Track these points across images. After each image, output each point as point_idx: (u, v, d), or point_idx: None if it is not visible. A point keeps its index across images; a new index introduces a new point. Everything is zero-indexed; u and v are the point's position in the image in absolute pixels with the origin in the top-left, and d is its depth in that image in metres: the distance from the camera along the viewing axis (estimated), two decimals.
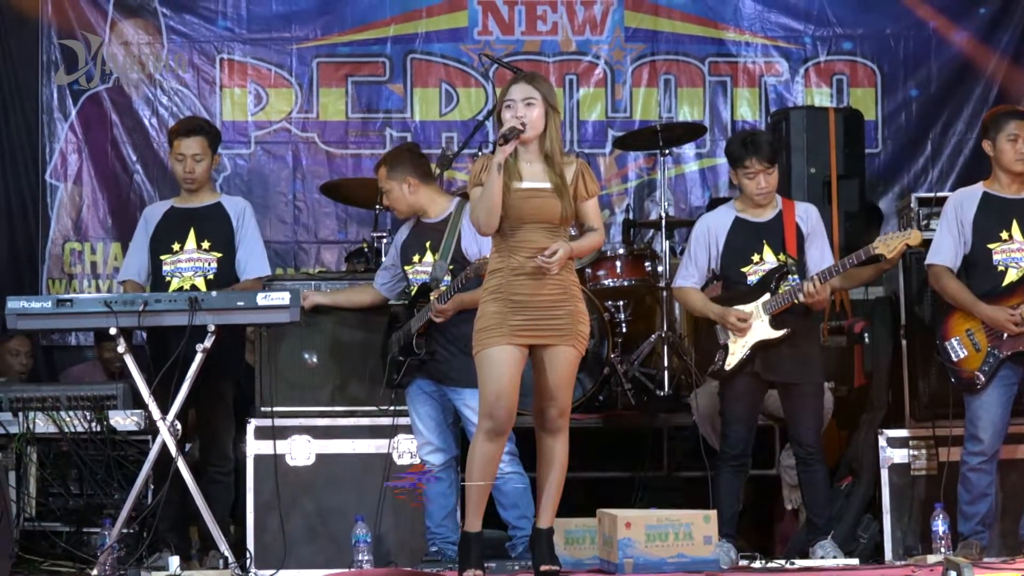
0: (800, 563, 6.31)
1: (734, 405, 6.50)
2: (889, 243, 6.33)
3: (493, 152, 5.51)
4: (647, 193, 9.31)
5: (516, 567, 6.08)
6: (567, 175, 5.55)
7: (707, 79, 9.36)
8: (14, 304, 6.17)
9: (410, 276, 6.56)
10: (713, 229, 6.58)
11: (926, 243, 6.52)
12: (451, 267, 6.37)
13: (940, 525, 6.33)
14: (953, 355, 6.39)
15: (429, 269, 6.45)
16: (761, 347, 6.41)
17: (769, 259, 6.48)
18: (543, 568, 5.58)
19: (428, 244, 6.49)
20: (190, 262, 6.68)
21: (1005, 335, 6.27)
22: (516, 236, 5.50)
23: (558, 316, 5.48)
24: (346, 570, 6.23)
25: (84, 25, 9.13)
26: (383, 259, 7.91)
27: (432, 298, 6.32)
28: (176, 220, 6.76)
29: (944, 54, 9.32)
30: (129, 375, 6.26)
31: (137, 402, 6.57)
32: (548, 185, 5.51)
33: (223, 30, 9.27)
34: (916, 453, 6.80)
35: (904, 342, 6.97)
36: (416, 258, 6.53)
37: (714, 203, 8.43)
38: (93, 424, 6.66)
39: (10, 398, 6.73)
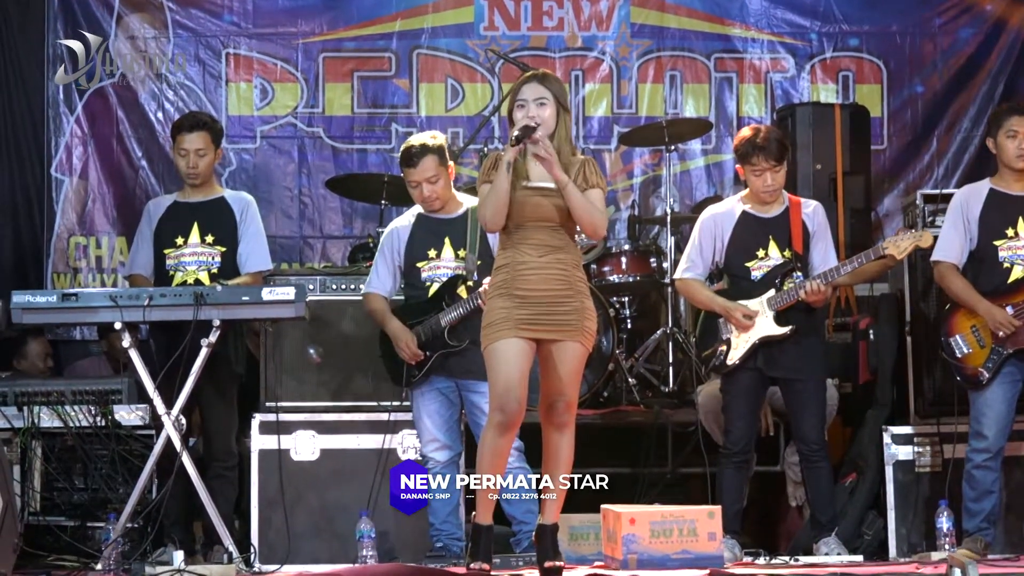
0: (804, 559, 6.31)
1: (736, 401, 6.50)
2: (899, 244, 6.29)
3: (503, 149, 5.51)
4: (652, 189, 9.29)
5: (520, 562, 6.08)
6: (572, 172, 5.54)
7: (713, 75, 9.34)
8: (19, 298, 6.17)
9: (424, 273, 6.50)
10: (720, 222, 6.57)
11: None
12: (479, 262, 6.35)
13: (945, 522, 6.34)
14: (957, 351, 6.38)
15: (447, 264, 6.41)
16: (764, 343, 6.40)
17: (774, 255, 6.47)
18: (547, 564, 5.58)
19: (447, 240, 6.45)
20: (194, 256, 6.68)
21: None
22: (521, 233, 5.50)
23: (565, 312, 5.47)
24: (350, 565, 6.23)
25: (90, 20, 9.11)
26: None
27: (463, 295, 6.29)
28: (180, 214, 6.76)
29: (950, 53, 9.30)
30: (134, 369, 6.27)
31: (142, 397, 6.56)
32: (554, 184, 5.51)
33: (229, 24, 9.25)
34: (921, 450, 6.79)
35: (909, 338, 6.96)
36: (432, 253, 6.47)
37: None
38: (98, 419, 6.65)
39: (15, 392, 6.71)
